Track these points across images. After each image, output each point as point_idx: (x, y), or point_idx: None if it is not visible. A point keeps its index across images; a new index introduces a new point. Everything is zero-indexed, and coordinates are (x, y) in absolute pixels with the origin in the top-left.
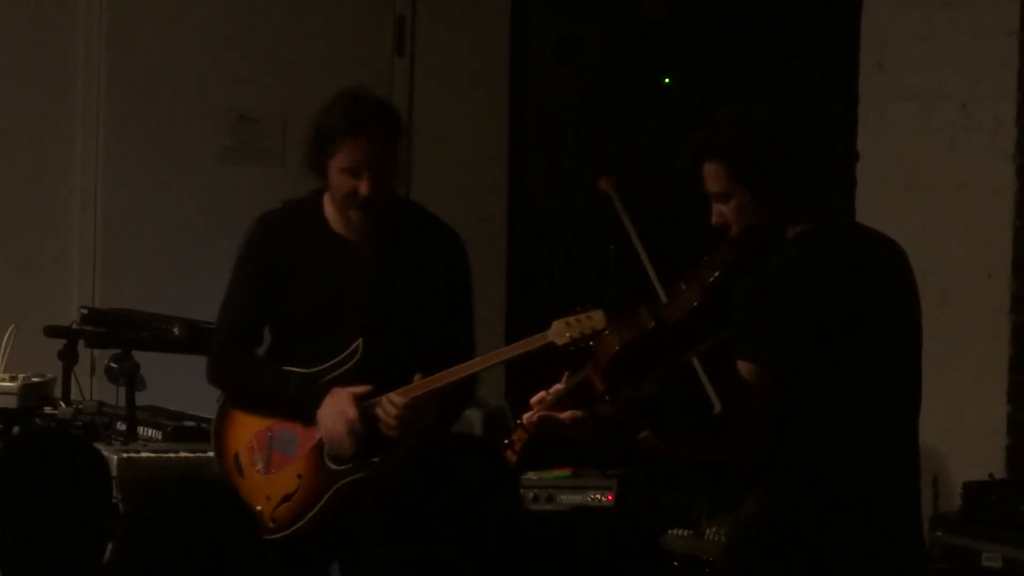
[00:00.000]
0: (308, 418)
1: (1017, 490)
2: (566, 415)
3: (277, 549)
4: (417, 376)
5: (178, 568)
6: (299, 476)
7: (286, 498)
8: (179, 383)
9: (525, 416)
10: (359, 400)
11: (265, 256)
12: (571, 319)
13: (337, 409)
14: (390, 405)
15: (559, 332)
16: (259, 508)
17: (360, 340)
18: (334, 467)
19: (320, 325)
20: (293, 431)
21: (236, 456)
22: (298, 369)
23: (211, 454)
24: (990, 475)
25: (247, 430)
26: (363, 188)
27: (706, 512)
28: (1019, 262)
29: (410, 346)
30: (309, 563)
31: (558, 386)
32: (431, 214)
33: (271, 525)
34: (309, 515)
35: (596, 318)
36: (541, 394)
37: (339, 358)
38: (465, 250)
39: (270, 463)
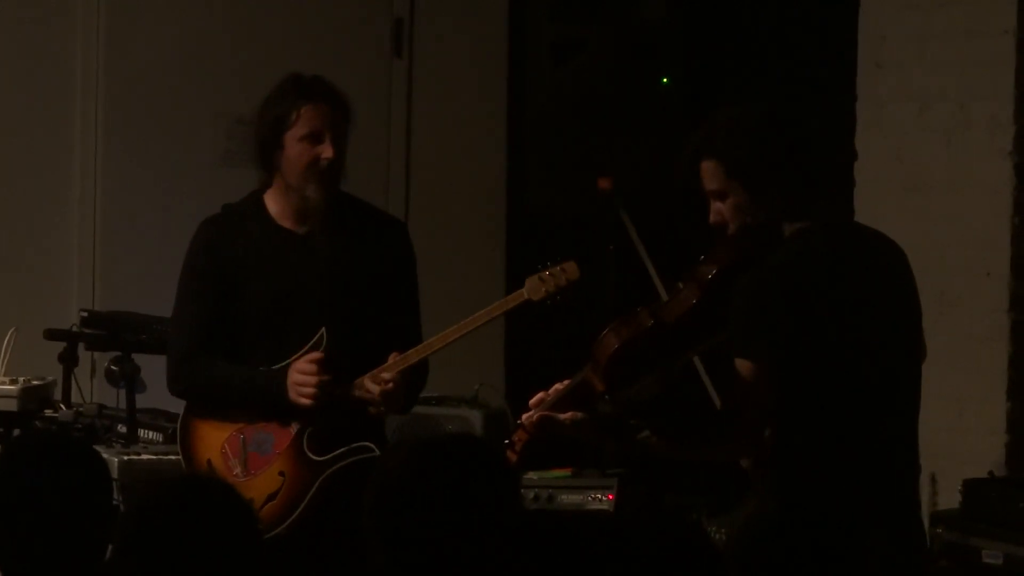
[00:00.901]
0: (282, 406)
1: (1017, 488)
2: (566, 416)
3: (267, 549)
4: (393, 355)
5: (178, 566)
6: (281, 473)
7: (271, 497)
8: None
9: (525, 416)
10: (316, 363)
11: (214, 260)
12: (544, 274)
13: (300, 377)
14: (377, 380)
15: (534, 288)
16: None
17: (323, 329)
18: (317, 458)
19: (280, 320)
20: (267, 430)
21: (209, 463)
22: (263, 368)
23: None
24: (990, 473)
25: (216, 437)
26: (326, 152)
27: (706, 512)
28: (1018, 261)
29: (368, 334)
30: (301, 560)
31: (557, 386)
32: (373, 206)
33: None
34: (298, 510)
35: (570, 269)
36: (540, 395)
37: (303, 349)
38: (410, 239)
39: (247, 465)
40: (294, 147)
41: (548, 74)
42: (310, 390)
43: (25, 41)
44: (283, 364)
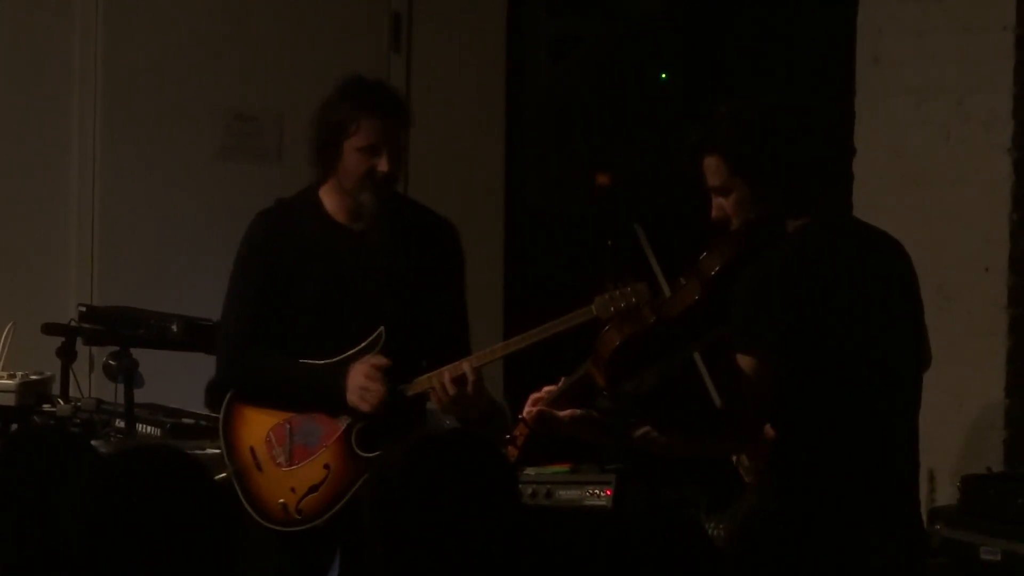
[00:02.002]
0: (338, 405)
1: (1015, 483)
2: (565, 413)
3: (305, 539)
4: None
5: (147, 541)
6: (326, 466)
7: (312, 489)
8: (177, 380)
9: (526, 411)
10: (380, 370)
11: (269, 252)
12: (615, 292)
13: (364, 383)
14: (458, 377)
15: (603, 306)
16: (282, 500)
17: (382, 327)
18: (363, 454)
19: (332, 314)
20: (315, 422)
21: (252, 451)
22: (318, 361)
23: (210, 451)
24: (988, 468)
25: (261, 425)
26: (382, 165)
27: (704, 507)
28: (1016, 256)
29: (418, 332)
30: (336, 553)
31: (556, 386)
32: (426, 207)
33: (297, 516)
34: (341, 503)
35: (640, 291)
36: (545, 390)
37: (361, 346)
38: (460, 241)
39: (292, 455)
40: (351, 156)
41: (546, 70)
42: (374, 397)
43: (23, 37)
44: (338, 359)
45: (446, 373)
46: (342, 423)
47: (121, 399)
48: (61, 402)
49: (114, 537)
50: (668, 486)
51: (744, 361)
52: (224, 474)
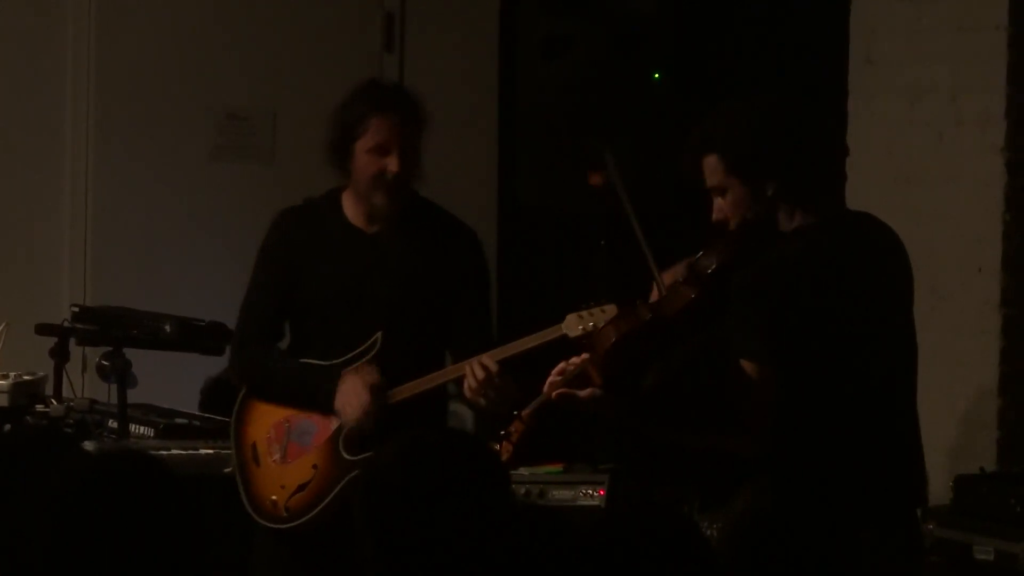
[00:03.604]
0: (327, 408)
1: (1008, 483)
2: (585, 392)
3: (292, 538)
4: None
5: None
6: (314, 466)
7: (300, 487)
8: (170, 381)
9: (547, 383)
10: (373, 387)
11: (284, 251)
12: (584, 312)
13: (350, 395)
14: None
15: (572, 325)
16: (274, 497)
17: (379, 333)
18: (348, 457)
19: (339, 317)
20: (311, 421)
21: (254, 446)
22: (317, 361)
23: (203, 451)
24: (981, 468)
25: (266, 420)
26: (392, 165)
27: (697, 506)
28: (1010, 256)
29: (426, 340)
30: (322, 553)
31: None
32: (448, 212)
33: (285, 514)
34: (322, 504)
35: (610, 311)
36: (561, 366)
37: (358, 350)
38: (483, 248)
39: (286, 453)
40: (362, 157)
41: (539, 69)
42: (355, 411)
43: (16, 36)
44: (335, 362)
45: (474, 362)
46: (333, 424)
47: (114, 399)
48: (54, 402)
49: (75, 539)
50: (661, 485)
51: (745, 365)
52: (229, 469)
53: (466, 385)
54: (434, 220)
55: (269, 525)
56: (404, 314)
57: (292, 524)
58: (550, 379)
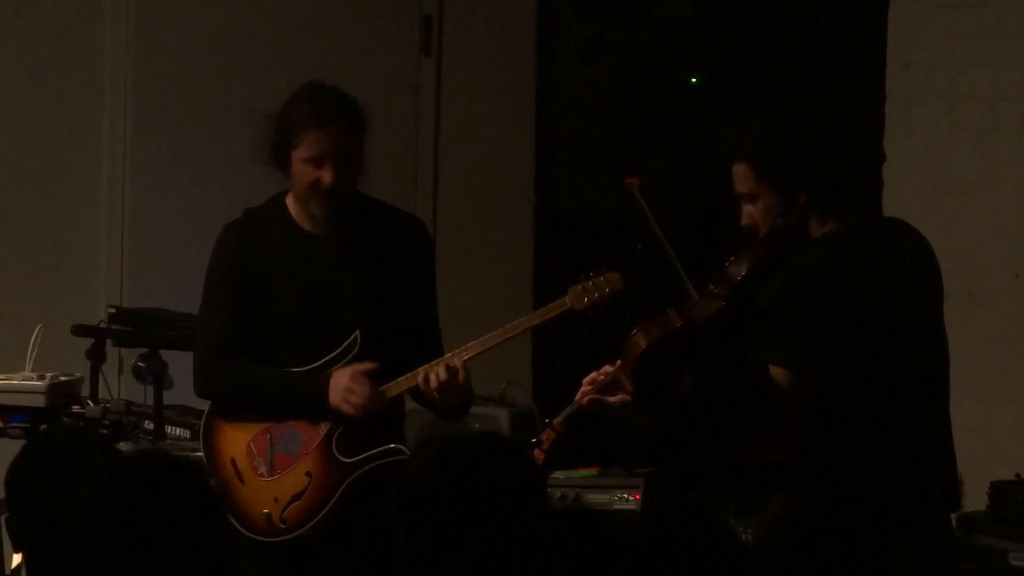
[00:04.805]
0: (318, 411)
1: None
2: (615, 399)
3: (290, 549)
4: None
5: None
6: (308, 474)
7: (295, 497)
8: None
9: (579, 392)
10: (369, 374)
11: (240, 264)
12: (587, 283)
13: (348, 388)
14: (444, 369)
15: (577, 297)
16: (266, 511)
17: (358, 332)
18: (345, 460)
19: (307, 321)
20: (295, 429)
21: (233, 462)
22: (296, 369)
23: None
24: (1016, 475)
25: (242, 436)
26: (326, 177)
27: (732, 511)
28: None
29: (393, 334)
30: (324, 562)
31: (594, 375)
32: (391, 206)
33: (281, 526)
34: (324, 510)
35: (613, 280)
36: (592, 376)
37: (337, 351)
38: (428, 234)
39: (274, 465)
40: (298, 166)
41: (576, 73)
42: (359, 400)
43: (54, 38)
44: (315, 365)
45: (440, 364)
46: (322, 429)
47: (150, 401)
48: (90, 403)
49: (104, 541)
50: (696, 490)
51: (777, 372)
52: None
53: (431, 378)
54: (378, 216)
55: (266, 540)
56: (370, 312)
57: (291, 535)
58: (582, 389)
